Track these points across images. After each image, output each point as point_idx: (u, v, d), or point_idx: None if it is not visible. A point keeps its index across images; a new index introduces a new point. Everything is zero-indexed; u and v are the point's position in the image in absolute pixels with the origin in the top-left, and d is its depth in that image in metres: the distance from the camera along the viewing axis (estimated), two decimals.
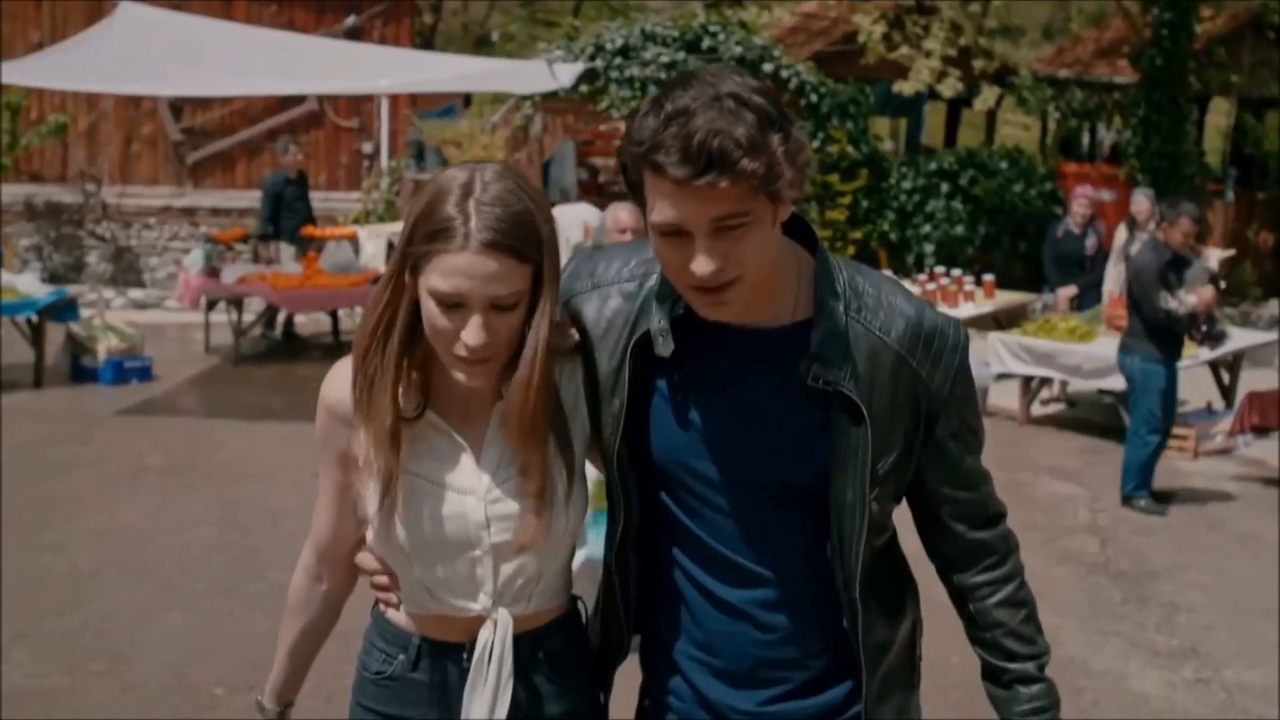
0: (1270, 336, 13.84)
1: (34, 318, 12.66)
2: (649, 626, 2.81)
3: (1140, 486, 9.79)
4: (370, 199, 18.69)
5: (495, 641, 2.63)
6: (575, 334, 2.68)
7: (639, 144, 2.31)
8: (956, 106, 22.69)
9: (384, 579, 2.71)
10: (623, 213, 7.59)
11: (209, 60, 13.60)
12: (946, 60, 17.71)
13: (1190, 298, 9.73)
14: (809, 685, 2.68)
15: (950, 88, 17.84)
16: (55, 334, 13.05)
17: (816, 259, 2.57)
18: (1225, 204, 19.77)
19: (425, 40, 26.31)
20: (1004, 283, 15.37)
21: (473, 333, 2.44)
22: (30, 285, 13.01)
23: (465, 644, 2.67)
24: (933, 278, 14.07)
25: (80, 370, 12.96)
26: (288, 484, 9.26)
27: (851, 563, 2.57)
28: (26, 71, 13.94)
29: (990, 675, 2.79)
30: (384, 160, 18.95)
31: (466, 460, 2.62)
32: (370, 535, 2.67)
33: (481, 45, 38.44)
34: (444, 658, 2.69)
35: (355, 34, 19.17)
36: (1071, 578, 8.22)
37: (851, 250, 17.74)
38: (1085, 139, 23.76)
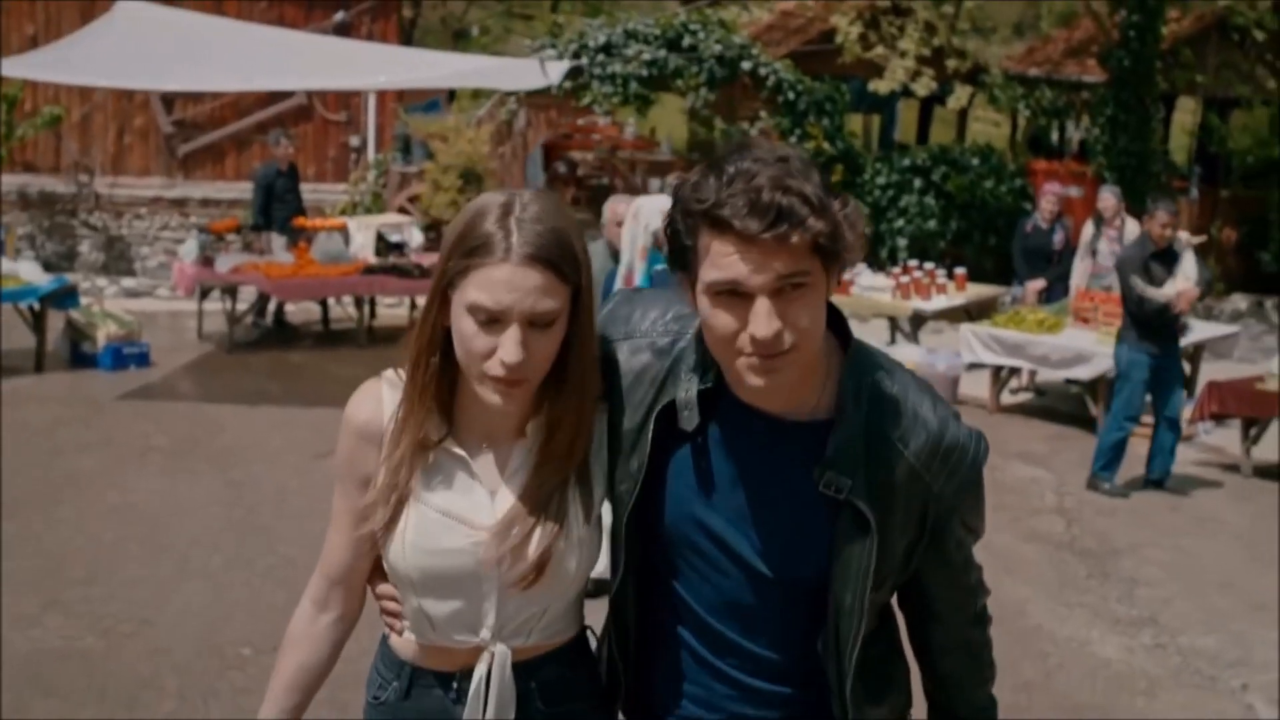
0: (1231, 329, 14.33)
1: (36, 305, 12.90)
2: (640, 674, 2.78)
3: (1107, 468, 10.23)
4: (357, 191, 18.95)
5: (492, 675, 2.61)
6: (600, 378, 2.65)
7: (700, 201, 2.28)
8: (929, 104, 23.06)
9: (395, 605, 2.69)
10: (620, 205, 7.73)
11: (205, 56, 13.90)
12: (920, 60, 18.08)
13: (1169, 289, 10.11)
14: None
15: (924, 87, 18.19)
16: (54, 321, 13.28)
17: (848, 354, 2.53)
18: (1190, 201, 20.19)
19: (405, 35, 26.64)
20: (975, 276, 15.66)
21: (510, 349, 2.41)
22: (32, 273, 13.23)
23: (456, 674, 2.66)
24: (906, 271, 14.38)
25: (80, 356, 13.23)
26: (289, 466, 9.65)
27: (846, 663, 2.57)
28: (28, 66, 14.27)
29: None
30: (371, 153, 19.22)
31: (483, 495, 2.58)
32: (382, 561, 2.67)
33: (460, 39, 38.67)
34: (434, 687, 2.68)
35: (344, 30, 19.39)
36: (1039, 554, 8.67)
37: None
38: (1055, 136, 24.17)
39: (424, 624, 2.62)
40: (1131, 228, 13.36)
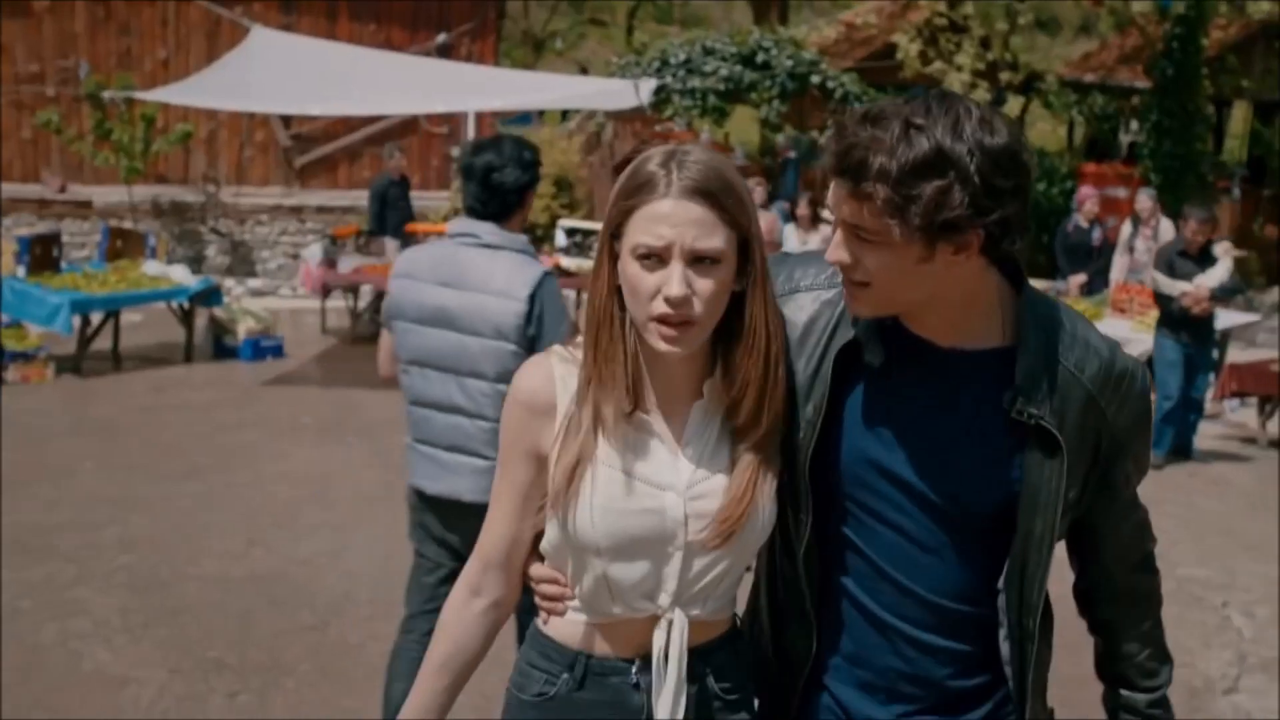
0: (1253, 317, 15.69)
1: (186, 303, 14.47)
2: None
3: (1157, 443, 11.49)
4: (458, 198, 20.19)
5: (671, 644, 2.57)
6: None
7: (836, 127, 2.39)
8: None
9: (555, 587, 2.65)
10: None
11: (323, 82, 15.49)
12: (976, 73, 19.28)
13: (1183, 285, 11.27)
14: (947, 704, 2.66)
15: (979, 98, 19.40)
16: (199, 318, 14.83)
17: (1022, 292, 2.54)
18: (1232, 201, 21.38)
19: (497, 43, 27.88)
20: (1029, 271, 16.84)
21: (674, 284, 2.38)
22: (181, 275, 14.79)
23: (634, 659, 2.62)
24: None
25: (222, 348, 14.71)
26: None
27: (1033, 596, 2.57)
28: (179, 93, 15.92)
29: (1108, 703, 2.84)
30: None
31: (667, 455, 2.55)
32: (551, 535, 2.61)
33: (540, 50, 40.14)
34: (612, 675, 2.63)
35: (446, 50, 20.68)
36: None
37: None
38: (1121, 141, 25.19)
39: (604, 594, 2.57)
40: (1166, 227, 14.74)
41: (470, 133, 19.90)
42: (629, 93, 15.38)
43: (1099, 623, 2.81)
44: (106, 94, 18.66)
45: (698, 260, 2.39)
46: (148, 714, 5.92)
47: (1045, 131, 27.30)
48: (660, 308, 2.39)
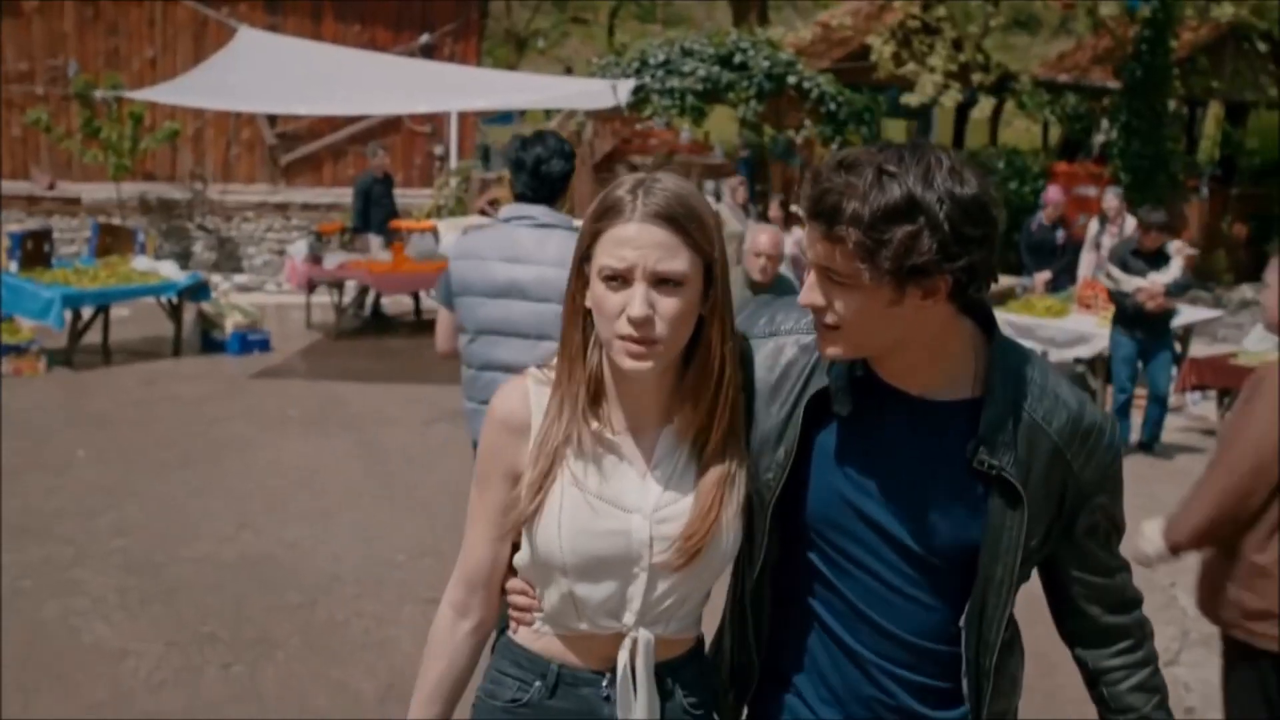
0: (1215, 313, 16.10)
1: (174, 298, 14.76)
2: (771, 667, 2.82)
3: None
4: (442, 195, 20.43)
5: (638, 661, 2.64)
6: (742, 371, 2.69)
7: (811, 172, 2.45)
8: (964, 110, 24.63)
9: (525, 599, 2.70)
10: (762, 236, 8.04)
11: (308, 83, 15.84)
12: (948, 74, 19.63)
13: (1139, 281, 11.59)
14: None
15: (951, 99, 19.76)
16: (187, 312, 15.11)
17: (992, 342, 2.60)
18: (1200, 199, 21.79)
19: (479, 44, 28.09)
20: (1000, 268, 17.25)
21: (636, 304, 2.45)
22: (170, 270, 15.03)
23: (604, 672, 2.68)
24: None
25: (210, 342, 14.99)
26: (406, 429, 11.46)
27: (991, 636, 2.64)
28: (167, 92, 16.23)
29: None
30: (453, 161, 20.76)
31: (634, 477, 2.61)
32: (523, 552, 2.67)
33: (524, 48, 40.41)
34: (583, 686, 2.68)
35: (429, 50, 21.02)
36: None
37: None
38: (1094, 141, 25.60)
39: (570, 611, 2.64)
40: (1131, 224, 15.15)
41: (453, 132, 20.25)
42: (607, 93, 15.72)
43: (1090, 674, 2.85)
44: (98, 93, 18.98)
45: (661, 282, 2.46)
46: (146, 683, 6.26)
47: (1020, 130, 27.71)
48: (624, 327, 2.46)
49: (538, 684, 2.68)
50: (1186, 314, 14.76)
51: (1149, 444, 12.05)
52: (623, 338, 2.48)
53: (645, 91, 19.32)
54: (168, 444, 10.76)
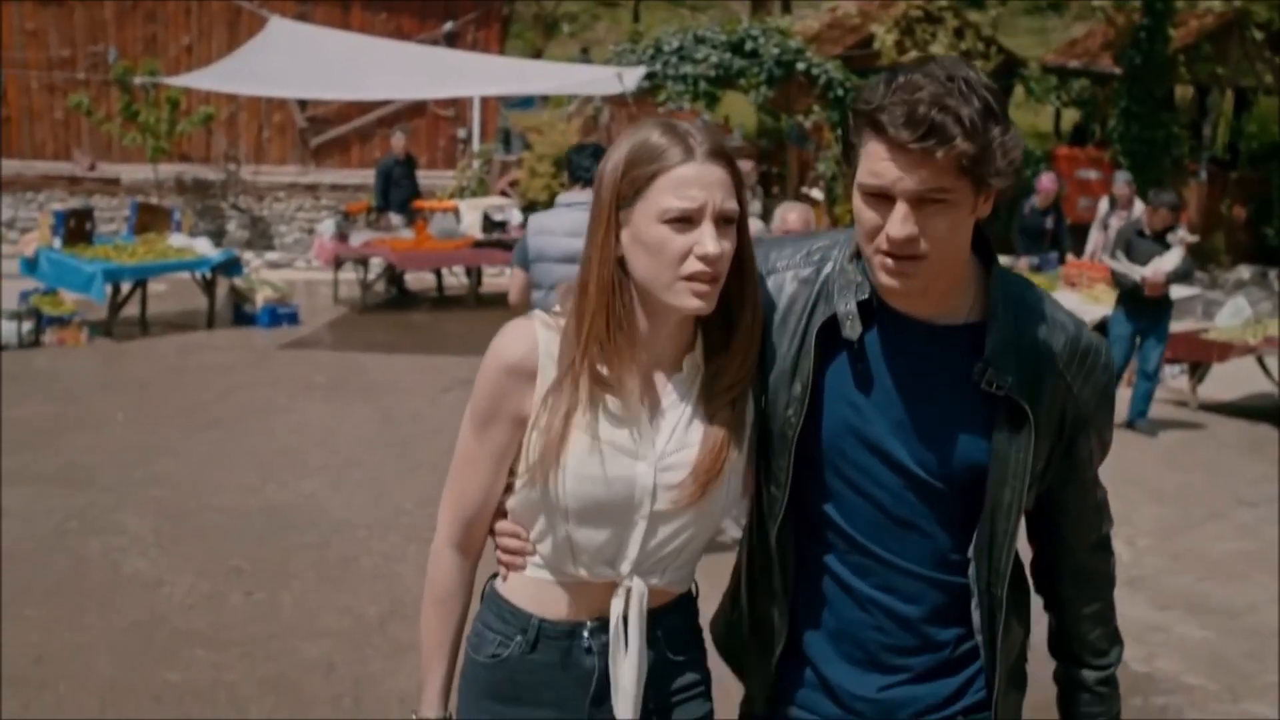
0: (1193, 292, 16.74)
1: (208, 274, 15.61)
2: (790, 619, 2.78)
3: None
4: (464, 177, 21.18)
5: (630, 611, 2.62)
6: None
7: (866, 104, 2.34)
8: None
9: (517, 542, 2.69)
10: (791, 214, 8.06)
11: (337, 69, 16.61)
12: None
13: (1143, 270, 11.99)
14: (927, 673, 2.70)
15: None
16: (220, 287, 15.99)
17: (992, 269, 2.58)
18: (1199, 183, 22.36)
19: (502, 30, 28.56)
20: (1002, 248, 17.71)
21: (710, 241, 2.42)
22: (204, 247, 15.94)
23: (588, 623, 2.66)
24: None
25: (241, 315, 15.86)
26: (421, 397, 12.25)
27: (1002, 563, 2.60)
28: (202, 78, 17.05)
29: (1058, 678, 2.88)
30: (475, 144, 21.53)
31: (642, 426, 2.58)
32: (521, 495, 2.64)
33: (552, 31, 40.98)
34: (565, 638, 2.67)
35: (452, 38, 21.81)
36: None
37: None
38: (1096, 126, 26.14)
39: (566, 556, 2.62)
40: (1140, 208, 15.82)
41: (476, 116, 21.03)
42: (614, 81, 16.43)
43: (1054, 600, 2.84)
44: (136, 79, 19.80)
45: (724, 221, 2.46)
46: (178, 607, 7.10)
47: (1045, 115, 28.23)
48: (694, 266, 2.44)
49: (518, 639, 2.68)
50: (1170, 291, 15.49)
51: (1136, 419, 12.40)
52: (690, 277, 2.46)
53: (660, 77, 19.98)
54: (200, 407, 11.59)
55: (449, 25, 22.11)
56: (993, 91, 2.33)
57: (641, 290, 2.53)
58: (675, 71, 20.01)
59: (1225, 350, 13.12)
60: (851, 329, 2.54)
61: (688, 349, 2.62)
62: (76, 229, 15.27)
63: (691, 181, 2.43)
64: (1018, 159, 2.34)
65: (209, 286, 15.71)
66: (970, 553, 2.62)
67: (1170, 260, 12.02)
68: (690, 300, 2.46)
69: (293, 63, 16.73)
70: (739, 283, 2.54)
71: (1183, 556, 8.75)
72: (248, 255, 19.93)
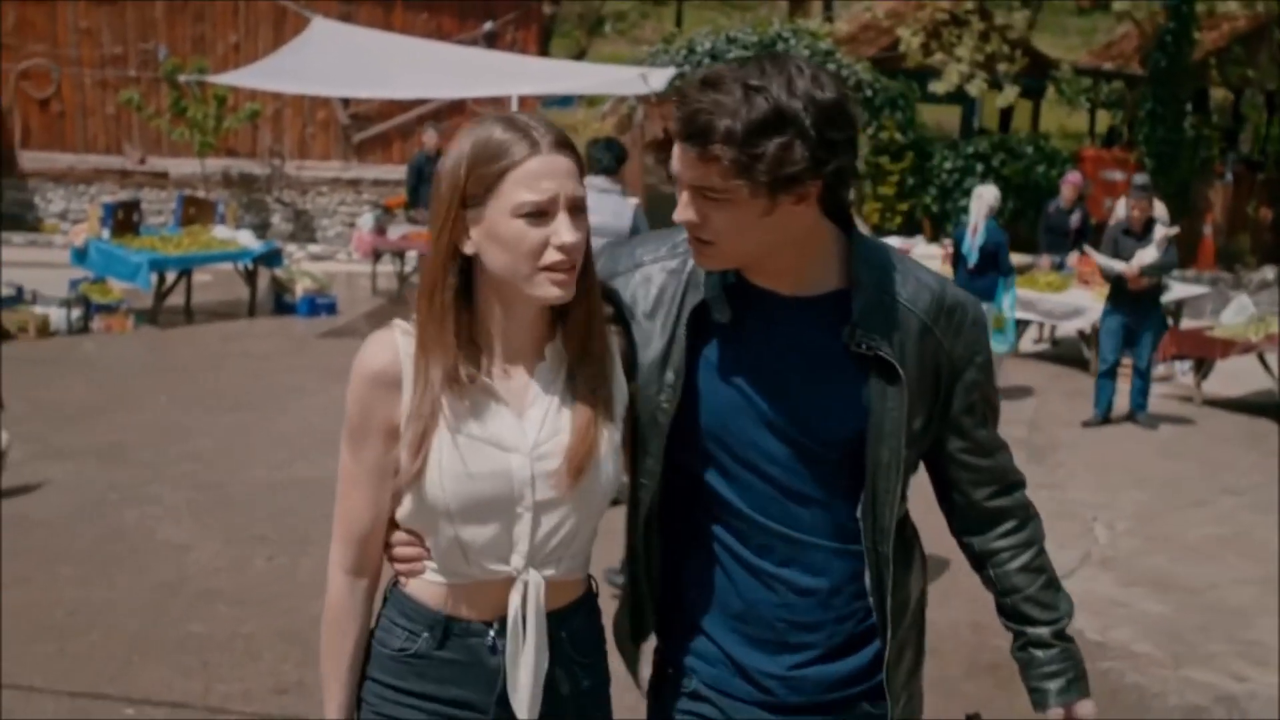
0: (1203, 290, 17.15)
1: (250, 264, 16.20)
2: (674, 598, 2.83)
3: (1097, 402, 12.68)
4: None
5: (528, 605, 2.62)
6: (609, 308, 2.70)
7: (676, 91, 2.45)
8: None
9: (411, 549, 2.69)
10: None
11: (379, 69, 17.11)
12: (974, 64, 20.61)
13: (1121, 265, 12.36)
14: (836, 650, 2.75)
15: (977, 88, 20.62)
16: (261, 278, 16.58)
17: (853, 237, 2.65)
18: (1224, 184, 22.65)
19: (545, 29, 28.88)
20: (1028, 248, 17.85)
21: (567, 231, 2.46)
22: (247, 239, 16.52)
23: (492, 621, 2.66)
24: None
25: (282, 305, 16.43)
26: None
27: (886, 520, 2.66)
28: (247, 76, 17.57)
29: (1014, 641, 2.90)
30: None
31: (511, 418, 2.59)
32: (405, 503, 2.63)
33: (596, 30, 41.44)
34: (471, 636, 2.67)
35: (491, 38, 22.29)
36: None
37: (899, 220, 20.66)
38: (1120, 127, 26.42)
39: (457, 556, 2.63)
40: (1159, 210, 16.18)
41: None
42: (638, 81, 16.87)
43: (978, 559, 2.88)
44: (183, 77, 20.38)
45: (576, 209, 2.51)
46: (205, 569, 7.66)
47: (1063, 116, 28.53)
48: (553, 256, 2.47)
49: (425, 635, 2.68)
50: (1178, 290, 15.89)
51: (1135, 413, 12.69)
52: (549, 267, 2.49)
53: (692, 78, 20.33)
54: (237, 391, 12.17)
55: (488, 25, 22.59)
56: (817, 104, 2.38)
57: (497, 285, 2.56)
58: None
59: (1228, 347, 13.47)
60: (722, 312, 2.64)
61: (547, 338, 2.64)
62: (124, 220, 15.86)
63: (542, 174, 2.45)
64: (798, 172, 2.39)
65: (251, 277, 16.26)
66: (858, 514, 2.68)
67: (1150, 253, 12.27)
68: (551, 290, 2.51)
69: (336, 62, 17.22)
70: (582, 267, 2.57)
71: (1158, 539, 9.17)
72: (291, 248, 20.50)
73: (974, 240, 12.90)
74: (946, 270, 16.18)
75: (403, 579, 2.72)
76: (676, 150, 2.46)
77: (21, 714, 5.76)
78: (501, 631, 2.65)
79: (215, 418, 11.13)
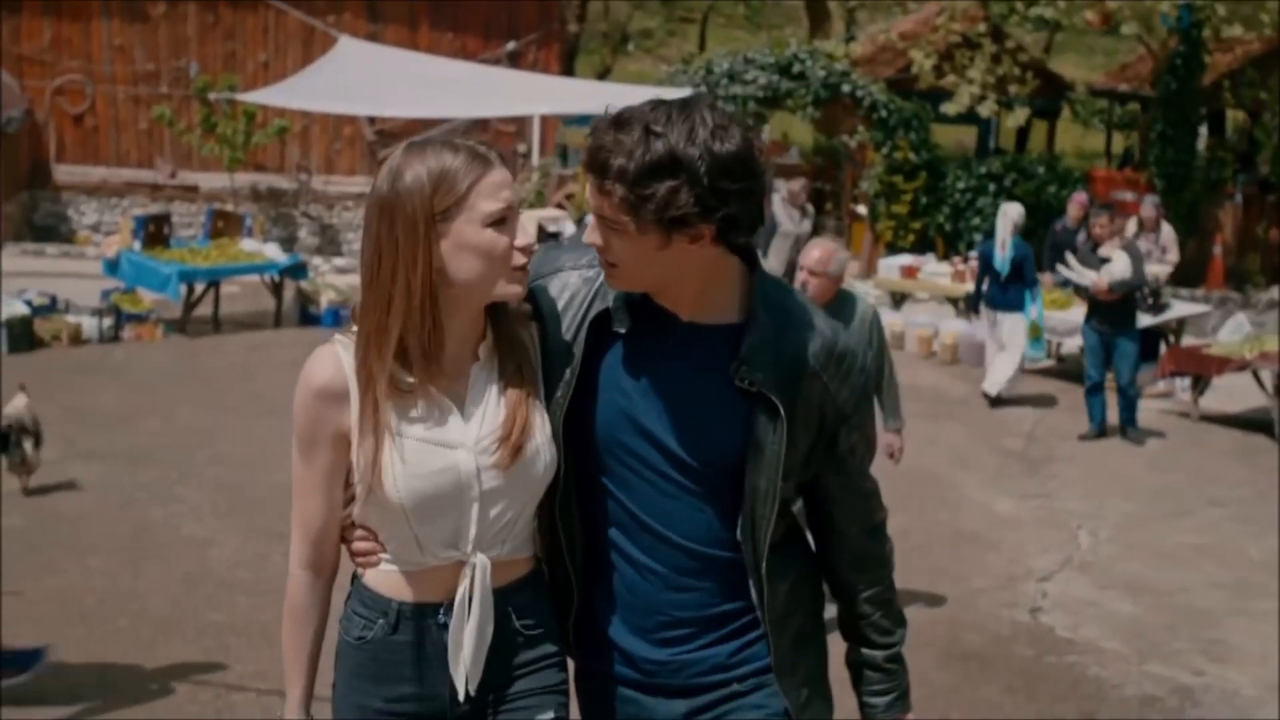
0: (1204, 309, 17.47)
1: (276, 277, 16.62)
2: (584, 588, 2.96)
3: (1090, 418, 12.92)
4: (523, 189, 21.58)
5: (475, 585, 2.79)
6: (528, 306, 2.86)
7: (592, 125, 2.62)
8: (1028, 118, 25.53)
9: (366, 544, 2.85)
10: (815, 251, 7.24)
11: (403, 87, 17.64)
12: (985, 86, 20.86)
13: (1092, 274, 12.66)
14: (719, 638, 2.92)
15: (988, 109, 20.97)
16: (286, 290, 16.96)
17: (755, 274, 2.78)
18: (1234, 205, 22.91)
19: (570, 46, 29.28)
20: (1038, 266, 18.15)
21: (528, 230, 2.68)
22: (273, 252, 17.00)
23: (443, 603, 2.84)
24: (965, 260, 17.57)
25: (307, 316, 16.82)
26: None
27: (761, 545, 2.81)
28: (275, 95, 18.15)
29: (849, 659, 3.11)
30: (535, 158, 22.32)
31: (454, 418, 2.76)
32: (361, 506, 2.81)
33: (620, 48, 41.95)
34: (423, 619, 2.84)
35: (514, 57, 22.78)
36: (994, 459, 11.87)
37: (911, 238, 20.98)
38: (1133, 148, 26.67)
39: (413, 548, 2.81)
40: (1166, 231, 16.55)
41: (535, 132, 21.99)
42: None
43: (836, 586, 3.07)
44: (213, 95, 20.91)
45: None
46: (225, 563, 8.14)
47: (1078, 137, 28.88)
48: (519, 258, 2.70)
49: (380, 621, 2.85)
50: (1180, 308, 16.24)
51: (1125, 429, 12.83)
52: (516, 268, 2.71)
53: (712, 98, 20.71)
54: (262, 398, 12.61)
55: (511, 45, 23.10)
56: (712, 154, 2.53)
57: (455, 294, 2.71)
58: (725, 92, 20.71)
59: (1223, 364, 13.76)
60: (620, 323, 2.79)
61: (482, 338, 2.82)
62: (155, 233, 16.34)
63: (501, 184, 2.67)
64: (680, 213, 2.54)
65: (277, 289, 16.68)
66: (739, 534, 2.84)
67: (1116, 269, 12.52)
68: (515, 288, 2.73)
69: (362, 80, 17.74)
70: None
71: (1138, 547, 9.54)
72: (317, 261, 20.89)
73: (1003, 255, 13.58)
74: (961, 287, 16.74)
75: (361, 571, 2.89)
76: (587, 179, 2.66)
77: (55, 687, 6.24)
78: (448, 610, 2.83)
79: (239, 423, 11.61)
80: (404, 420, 2.73)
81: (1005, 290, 13.71)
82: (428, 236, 2.64)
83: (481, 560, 2.80)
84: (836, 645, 3.13)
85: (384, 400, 2.69)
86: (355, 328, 2.78)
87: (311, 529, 2.87)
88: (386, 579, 2.85)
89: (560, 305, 2.84)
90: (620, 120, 2.57)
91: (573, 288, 2.85)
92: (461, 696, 2.85)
